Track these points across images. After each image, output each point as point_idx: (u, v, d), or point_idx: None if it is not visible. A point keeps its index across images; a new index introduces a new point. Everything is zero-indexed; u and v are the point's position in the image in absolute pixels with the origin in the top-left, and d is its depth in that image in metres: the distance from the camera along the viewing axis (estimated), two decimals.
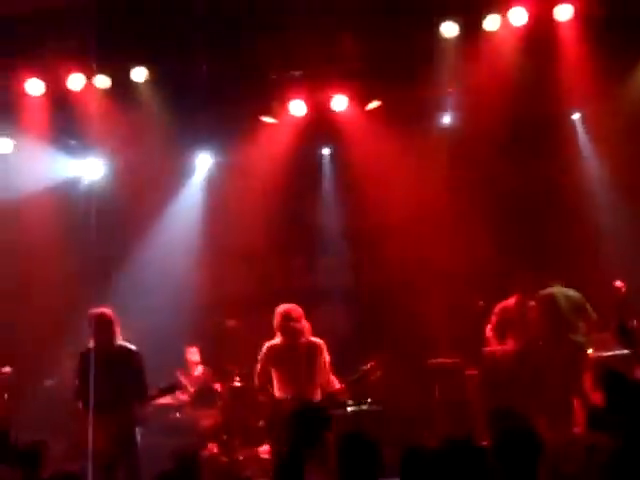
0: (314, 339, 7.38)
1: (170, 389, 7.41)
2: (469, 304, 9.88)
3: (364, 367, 7.43)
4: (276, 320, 7.34)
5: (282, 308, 7.36)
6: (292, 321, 7.25)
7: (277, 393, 7.25)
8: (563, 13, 9.19)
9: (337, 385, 7.32)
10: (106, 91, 9.64)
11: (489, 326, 9.35)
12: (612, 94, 9.79)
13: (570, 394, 8.62)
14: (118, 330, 7.22)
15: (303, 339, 7.30)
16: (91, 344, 7.19)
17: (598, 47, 9.09)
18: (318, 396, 7.21)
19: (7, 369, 9.02)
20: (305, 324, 7.34)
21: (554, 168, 10.48)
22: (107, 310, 7.24)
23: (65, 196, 10.58)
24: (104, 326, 7.14)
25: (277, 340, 7.34)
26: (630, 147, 9.90)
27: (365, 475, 4.17)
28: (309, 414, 4.25)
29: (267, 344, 7.39)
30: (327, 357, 7.34)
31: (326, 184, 11.12)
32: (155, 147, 10.12)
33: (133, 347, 7.21)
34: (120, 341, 7.20)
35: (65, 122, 9.90)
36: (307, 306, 7.55)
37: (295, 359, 7.22)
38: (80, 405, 7.08)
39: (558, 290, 9.05)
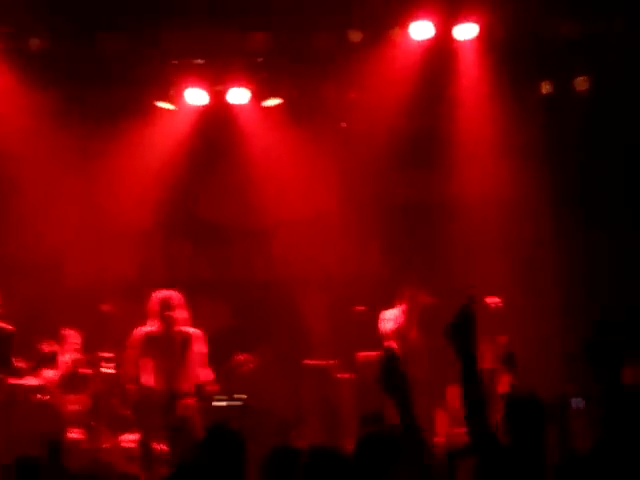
0: (190, 329, 7.30)
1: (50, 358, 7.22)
2: (350, 308, 9.97)
3: (236, 358, 7.39)
4: (153, 306, 7.21)
5: (161, 294, 7.26)
6: (170, 309, 7.15)
7: (146, 381, 7.14)
8: (464, 32, 9.44)
9: (209, 377, 7.24)
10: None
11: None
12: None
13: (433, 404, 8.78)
14: None
15: (178, 328, 7.21)
16: None
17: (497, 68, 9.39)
18: (188, 387, 7.14)
19: None
20: (183, 313, 7.25)
21: (445, 180, 10.69)
22: None
23: None
24: None
25: (151, 327, 7.22)
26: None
27: (231, 467, 4.14)
28: None
29: (139, 330, 7.27)
30: (203, 348, 7.27)
31: (220, 176, 11.03)
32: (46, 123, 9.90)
33: (3, 326, 7.03)
34: None
35: None
36: (189, 296, 7.49)
37: (169, 348, 7.13)
38: None
39: None
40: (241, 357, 7.49)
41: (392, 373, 3.55)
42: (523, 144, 10.20)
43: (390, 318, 9.30)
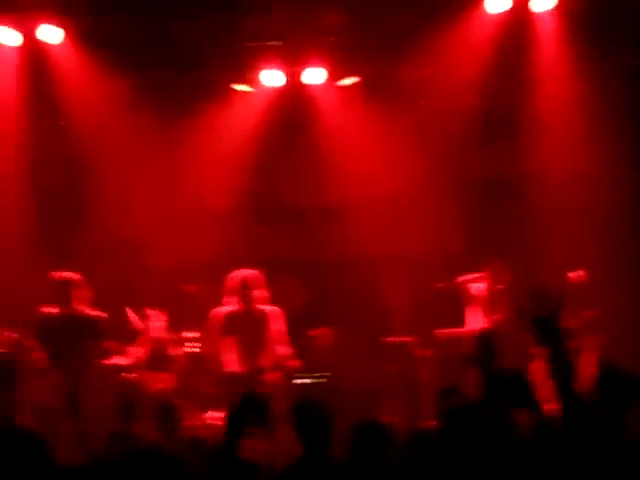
0: (268, 307, 7.36)
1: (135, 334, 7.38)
2: (429, 286, 9.96)
3: (313, 332, 7.39)
4: (232, 285, 7.26)
5: (240, 273, 7.31)
6: (249, 287, 7.22)
7: (228, 360, 7.24)
8: (541, 4, 9.29)
9: (288, 352, 7.26)
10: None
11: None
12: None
13: None
14: (82, 294, 7.20)
15: (257, 306, 7.27)
16: (53, 309, 7.18)
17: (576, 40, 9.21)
18: (269, 363, 7.20)
19: None
20: (263, 292, 7.32)
21: (524, 156, 10.55)
22: (71, 275, 7.22)
23: None
24: (67, 291, 7.11)
25: (231, 306, 7.30)
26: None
27: (318, 441, 4.22)
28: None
29: (218, 310, 7.35)
30: (283, 326, 7.33)
31: (298, 156, 11.10)
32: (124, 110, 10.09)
33: (97, 313, 7.21)
34: (83, 306, 7.19)
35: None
36: (269, 275, 7.57)
37: (249, 326, 7.21)
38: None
39: None
40: (318, 331, 7.48)
41: (486, 350, 3.59)
42: (604, 118, 9.99)
43: (476, 292, 9.28)
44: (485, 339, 3.88)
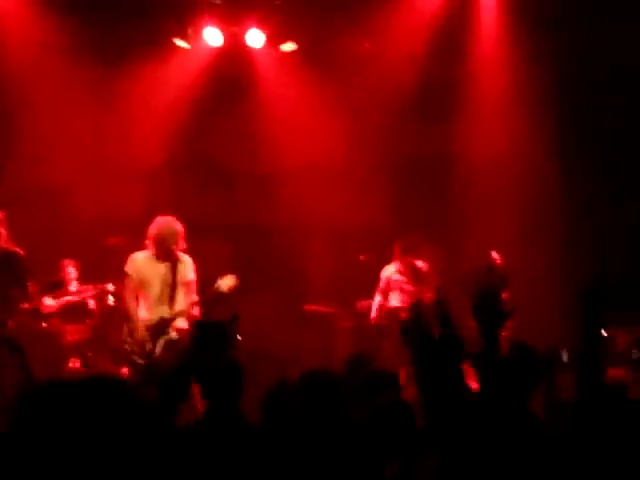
0: (184, 256, 7.31)
1: (54, 285, 7.28)
2: (353, 257, 10.02)
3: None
4: (163, 233, 7.16)
5: (163, 221, 7.21)
6: (171, 237, 7.14)
7: (142, 310, 7.17)
8: None
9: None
10: None
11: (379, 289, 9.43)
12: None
13: None
14: (4, 232, 7.06)
15: (174, 255, 7.20)
16: None
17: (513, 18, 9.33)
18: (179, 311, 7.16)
19: None
20: (182, 243, 7.25)
21: (457, 135, 10.63)
22: None
23: None
24: None
25: (146, 252, 7.23)
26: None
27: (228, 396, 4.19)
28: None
29: (134, 256, 7.28)
30: (194, 275, 7.27)
31: (231, 119, 10.99)
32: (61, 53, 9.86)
33: (17, 249, 7.08)
34: (4, 244, 7.05)
35: None
36: (193, 235, 7.49)
37: (163, 274, 7.15)
38: None
39: None
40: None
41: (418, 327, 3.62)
42: (533, 103, 10.11)
43: (386, 276, 9.33)
44: (417, 310, 3.91)
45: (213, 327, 4.34)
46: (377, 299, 9.22)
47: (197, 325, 6.65)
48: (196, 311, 7.19)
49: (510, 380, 3.86)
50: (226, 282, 7.08)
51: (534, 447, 3.22)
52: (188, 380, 3.63)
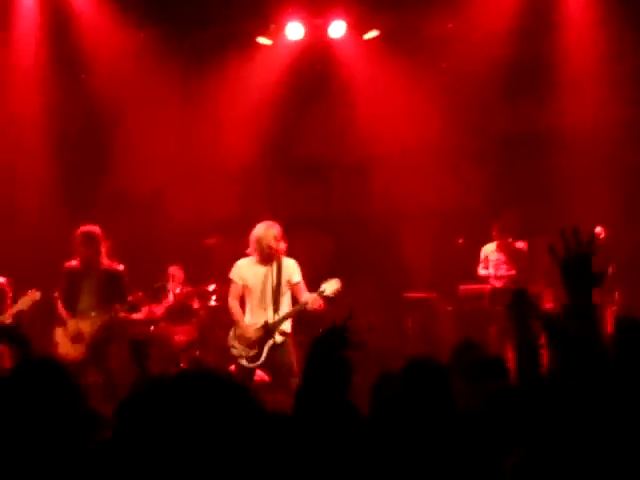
0: (288, 259, 7.36)
1: (159, 290, 7.45)
2: (450, 241, 9.93)
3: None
4: (265, 238, 7.23)
5: (264, 226, 7.29)
6: (272, 241, 7.21)
7: (248, 315, 7.26)
8: None
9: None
10: None
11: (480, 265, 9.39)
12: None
13: None
14: (104, 248, 7.28)
15: (276, 258, 7.26)
16: (75, 262, 7.27)
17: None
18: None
19: None
20: (283, 245, 7.31)
21: (548, 110, 10.41)
22: (95, 228, 7.29)
23: None
24: (91, 244, 7.19)
25: (249, 258, 7.32)
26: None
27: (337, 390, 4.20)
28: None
29: (239, 262, 7.37)
30: (300, 276, 7.32)
31: (319, 111, 11.02)
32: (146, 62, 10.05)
33: (119, 267, 7.30)
34: (105, 260, 7.27)
35: None
36: (290, 231, 7.55)
37: (266, 278, 7.22)
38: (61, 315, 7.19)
39: None
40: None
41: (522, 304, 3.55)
42: (630, 71, 9.82)
43: (485, 254, 9.30)
44: (520, 293, 3.81)
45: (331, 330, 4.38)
46: (482, 273, 9.24)
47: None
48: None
49: (615, 359, 3.71)
50: (331, 286, 7.10)
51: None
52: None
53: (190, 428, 2.02)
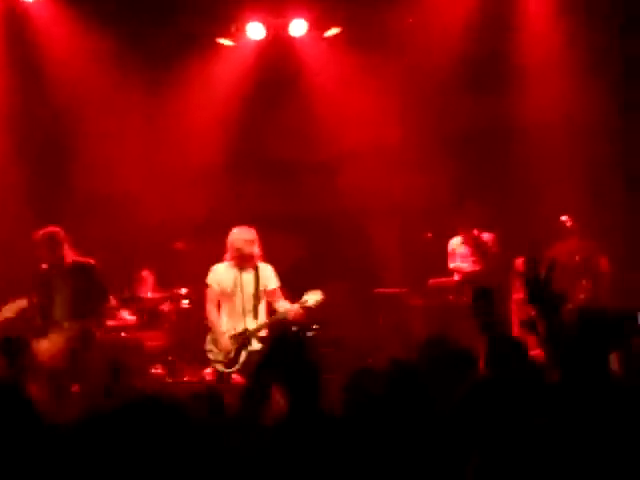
0: (263, 264, 7.38)
1: (130, 299, 7.43)
2: (419, 236, 9.98)
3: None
4: (235, 242, 7.23)
5: (239, 231, 7.29)
6: (249, 245, 7.22)
7: (224, 320, 7.27)
8: None
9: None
10: None
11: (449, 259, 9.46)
12: None
13: None
14: (68, 247, 7.22)
15: (253, 264, 7.29)
16: (44, 266, 7.21)
17: None
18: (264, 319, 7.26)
19: None
20: (257, 249, 7.33)
21: (511, 104, 10.46)
22: (55, 229, 7.23)
23: None
24: (54, 246, 7.13)
25: (226, 263, 7.33)
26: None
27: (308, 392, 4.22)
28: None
29: (215, 267, 7.37)
30: (277, 282, 7.34)
31: (284, 110, 11.01)
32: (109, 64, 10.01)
33: (89, 260, 7.25)
34: (73, 257, 7.21)
35: None
36: (258, 232, 7.55)
37: (243, 284, 7.22)
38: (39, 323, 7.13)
39: None
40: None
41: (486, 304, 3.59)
42: (592, 62, 9.90)
43: (452, 247, 9.38)
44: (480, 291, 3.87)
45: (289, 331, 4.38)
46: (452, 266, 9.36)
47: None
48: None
49: (576, 348, 3.74)
50: (313, 297, 7.14)
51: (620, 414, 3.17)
52: (269, 382, 3.67)
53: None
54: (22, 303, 6.92)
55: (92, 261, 7.27)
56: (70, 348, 7.02)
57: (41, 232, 7.23)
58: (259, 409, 3.55)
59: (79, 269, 7.16)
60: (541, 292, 3.45)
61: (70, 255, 7.21)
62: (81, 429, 2.07)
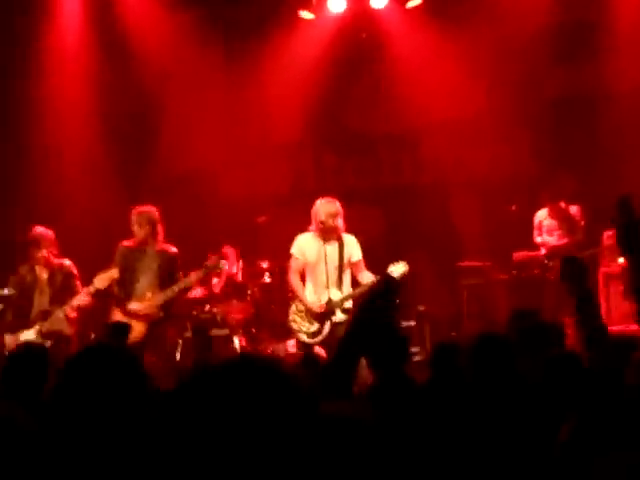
0: (347, 236, 7.35)
1: (212, 267, 7.43)
2: (503, 209, 9.83)
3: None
4: (319, 214, 7.21)
5: (323, 203, 7.25)
6: (332, 217, 7.20)
7: (308, 291, 7.27)
8: None
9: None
10: None
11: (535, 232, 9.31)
12: None
13: None
14: (161, 229, 7.30)
15: (337, 235, 7.26)
16: (130, 243, 7.30)
17: None
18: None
19: None
20: (341, 221, 7.30)
21: (600, 74, 10.19)
22: (150, 208, 7.31)
23: None
24: (147, 224, 7.21)
25: (311, 234, 7.31)
26: None
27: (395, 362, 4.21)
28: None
29: (300, 237, 7.36)
30: (360, 254, 7.30)
31: (366, 83, 10.94)
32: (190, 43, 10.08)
33: (173, 249, 7.33)
34: (161, 241, 7.30)
35: None
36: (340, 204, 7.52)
37: (328, 254, 7.20)
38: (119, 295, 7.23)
39: None
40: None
41: (576, 270, 3.50)
42: None
43: (538, 220, 9.21)
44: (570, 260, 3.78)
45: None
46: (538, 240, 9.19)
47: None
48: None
49: None
50: (398, 269, 7.07)
51: None
52: (356, 354, 3.67)
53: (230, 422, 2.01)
54: (114, 273, 7.02)
55: (175, 250, 7.35)
56: (152, 318, 7.11)
57: (138, 209, 7.31)
58: (346, 381, 3.55)
59: (165, 257, 7.25)
60: (635, 237, 3.28)
61: (160, 238, 7.29)
62: (187, 390, 2.07)
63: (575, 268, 3.86)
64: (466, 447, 3.41)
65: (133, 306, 7.12)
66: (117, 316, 7.14)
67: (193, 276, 7.27)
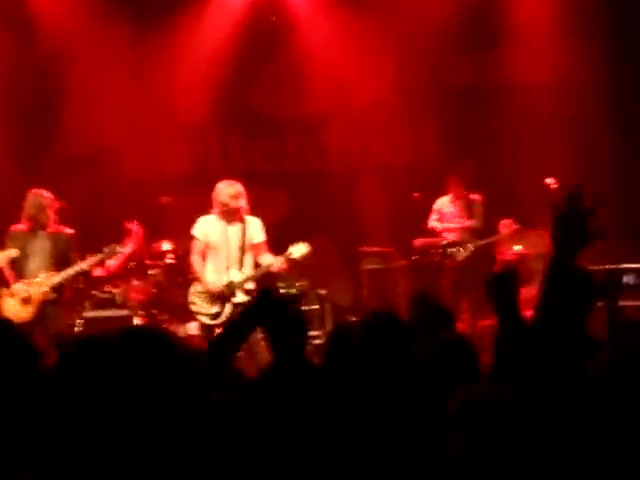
0: (251, 218, 7.36)
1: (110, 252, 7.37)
2: (406, 195, 9.97)
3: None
4: (220, 196, 7.21)
5: (225, 185, 7.26)
6: (234, 199, 7.20)
7: (209, 272, 7.26)
8: None
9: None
10: None
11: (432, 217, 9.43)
12: None
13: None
14: (54, 212, 7.22)
15: (239, 217, 7.27)
16: (22, 225, 7.19)
17: None
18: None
19: None
20: (244, 203, 7.30)
21: (502, 64, 10.43)
22: (44, 191, 7.23)
23: None
24: (40, 207, 7.13)
25: (214, 216, 7.30)
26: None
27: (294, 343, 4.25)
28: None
29: (201, 219, 7.35)
30: (263, 236, 7.32)
31: (273, 66, 10.93)
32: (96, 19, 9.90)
33: (68, 230, 7.25)
34: (54, 223, 7.21)
35: None
36: (244, 187, 7.52)
37: (230, 236, 7.21)
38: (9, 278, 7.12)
39: None
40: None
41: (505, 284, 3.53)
42: (583, 24, 9.87)
43: (439, 206, 9.36)
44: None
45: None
46: (433, 225, 9.34)
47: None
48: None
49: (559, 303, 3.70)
50: (299, 249, 7.11)
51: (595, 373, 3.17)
52: (244, 333, 3.69)
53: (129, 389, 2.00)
54: (12, 252, 6.94)
55: (70, 231, 7.28)
56: (43, 300, 7.03)
57: (32, 191, 7.23)
58: (226, 360, 3.56)
59: (58, 239, 7.17)
60: (575, 229, 3.22)
61: (53, 221, 7.21)
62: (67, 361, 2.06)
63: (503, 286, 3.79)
64: (355, 428, 3.46)
65: (17, 287, 7.03)
66: (5, 297, 7.04)
67: (90, 260, 7.20)
